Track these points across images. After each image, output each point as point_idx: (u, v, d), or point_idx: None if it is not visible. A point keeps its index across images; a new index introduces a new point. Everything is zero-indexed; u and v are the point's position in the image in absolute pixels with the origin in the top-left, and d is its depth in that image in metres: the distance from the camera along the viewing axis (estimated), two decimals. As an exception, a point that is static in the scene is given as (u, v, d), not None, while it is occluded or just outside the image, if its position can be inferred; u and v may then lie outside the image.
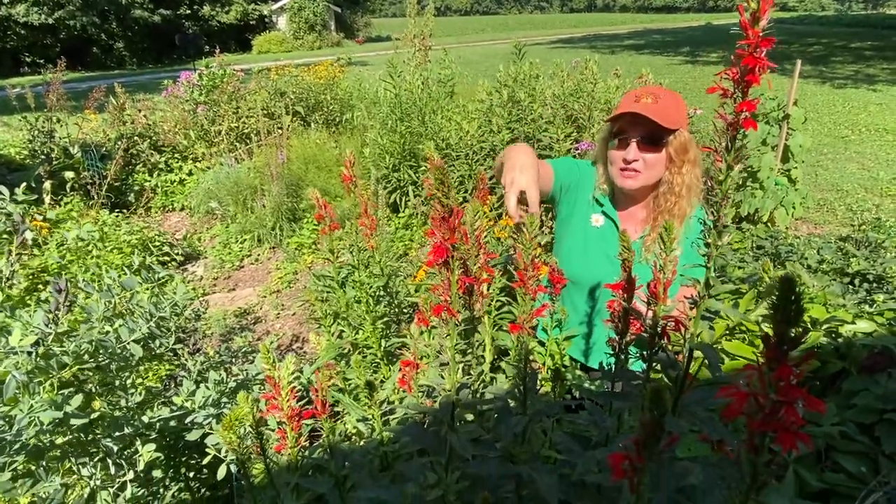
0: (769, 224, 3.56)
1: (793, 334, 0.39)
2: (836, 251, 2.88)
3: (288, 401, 1.02)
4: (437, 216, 0.55)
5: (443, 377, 0.76)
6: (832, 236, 3.63)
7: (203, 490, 1.56)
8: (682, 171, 1.40)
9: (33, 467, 1.06)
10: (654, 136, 1.38)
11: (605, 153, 1.51)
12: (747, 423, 0.45)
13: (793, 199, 3.50)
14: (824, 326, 1.73)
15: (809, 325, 1.71)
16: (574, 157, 3.14)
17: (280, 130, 5.43)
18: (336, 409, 1.94)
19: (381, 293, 1.96)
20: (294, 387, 1.09)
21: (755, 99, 0.53)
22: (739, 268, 2.54)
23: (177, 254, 3.98)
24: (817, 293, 2.10)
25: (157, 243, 3.81)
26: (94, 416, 1.23)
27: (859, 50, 12.55)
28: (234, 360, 2.15)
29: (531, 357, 1.34)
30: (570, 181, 1.59)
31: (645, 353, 0.68)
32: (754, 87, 0.54)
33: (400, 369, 0.94)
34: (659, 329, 0.67)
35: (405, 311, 2.10)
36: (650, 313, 0.67)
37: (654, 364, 0.69)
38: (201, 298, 3.49)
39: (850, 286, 2.42)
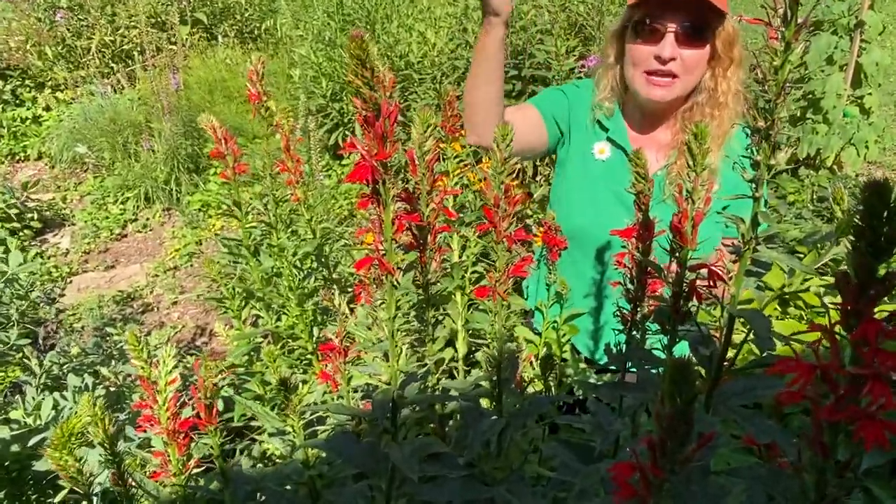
0: (834, 169, 3.59)
1: (884, 272, 0.35)
2: (920, 203, 2.93)
3: (168, 410, 0.96)
4: (360, 117, 0.49)
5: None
6: (915, 184, 3.69)
7: (65, 539, 1.51)
8: (727, 73, 1.36)
9: None
10: (697, 25, 1.32)
11: (620, 50, 1.44)
12: (812, 410, 0.41)
13: (865, 137, 3.53)
14: (906, 298, 1.75)
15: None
16: (578, 78, 3.08)
17: (174, 46, 5.24)
18: (255, 423, 1.89)
19: (312, 264, 1.89)
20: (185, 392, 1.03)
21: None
22: (796, 225, 2.56)
23: (31, 219, 3.88)
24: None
25: (2, 204, 3.67)
26: None
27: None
28: (109, 360, 2.07)
29: (516, 344, 1.31)
30: (562, 110, 1.56)
31: (667, 321, 0.64)
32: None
33: (322, 357, 0.88)
34: (685, 286, 0.63)
35: (348, 289, 2.04)
36: (675, 265, 0.63)
37: (678, 337, 0.65)
38: (66, 277, 3.38)
39: (938, 247, 2.46)
